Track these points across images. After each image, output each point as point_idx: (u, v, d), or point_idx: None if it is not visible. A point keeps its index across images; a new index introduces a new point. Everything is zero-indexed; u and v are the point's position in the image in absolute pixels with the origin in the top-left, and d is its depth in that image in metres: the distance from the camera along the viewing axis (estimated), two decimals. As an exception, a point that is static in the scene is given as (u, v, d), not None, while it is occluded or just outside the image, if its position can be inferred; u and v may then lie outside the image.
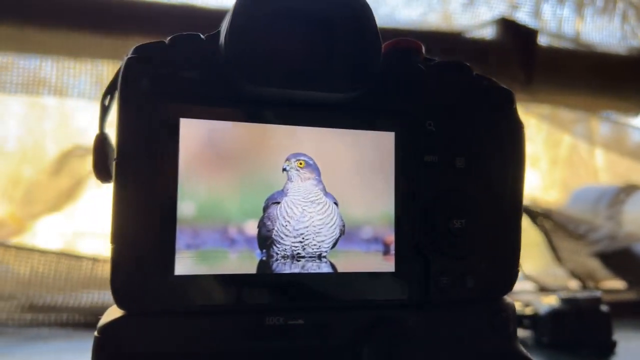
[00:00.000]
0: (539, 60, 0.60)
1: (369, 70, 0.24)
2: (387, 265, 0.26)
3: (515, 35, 0.60)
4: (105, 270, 0.55)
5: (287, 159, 0.25)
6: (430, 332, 0.26)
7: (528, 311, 0.47)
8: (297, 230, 0.25)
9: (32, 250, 0.51)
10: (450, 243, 0.26)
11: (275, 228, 0.25)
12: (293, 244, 0.25)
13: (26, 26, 0.57)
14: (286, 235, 0.25)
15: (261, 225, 0.25)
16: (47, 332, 0.48)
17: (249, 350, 0.24)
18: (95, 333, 0.23)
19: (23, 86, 0.63)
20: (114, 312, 0.24)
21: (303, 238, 0.25)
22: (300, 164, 0.25)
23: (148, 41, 0.24)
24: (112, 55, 0.60)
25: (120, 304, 0.23)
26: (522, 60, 0.57)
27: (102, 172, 0.25)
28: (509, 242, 0.27)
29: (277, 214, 0.25)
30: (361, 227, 0.26)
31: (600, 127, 0.85)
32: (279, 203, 0.25)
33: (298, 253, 0.25)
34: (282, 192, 0.25)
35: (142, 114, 0.23)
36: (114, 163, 0.23)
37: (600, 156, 0.87)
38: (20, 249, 0.51)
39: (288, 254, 0.25)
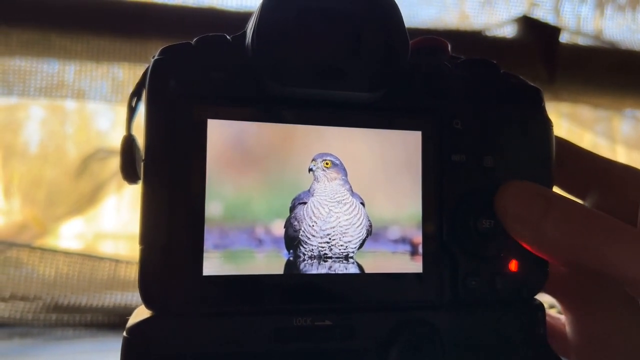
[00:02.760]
0: (562, 58, 0.59)
1: (396, 69, 0.24)
2: (415, 266, 0.25)
3: (537, 33, 0.59)
4: (127, 271, 0.55)
5: (314, 159, 0.25)
6: (459, 334, 0.25)
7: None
8: (323, 230, 0.25)
9: (56, 252, 0.52)
10: (479, 243, 0.25)
11: (302, 228, 0.25)
12: (320, 245, 0.25)
13: (48, 31, 0.58)
14: (313, 236, 0.25)
15: (288, 225, 0.25)
16: (72, 333, 0.49)
17: (276, 351, 0.24)
18: (124, 333, 0.23)
19: (45, 90, 0.64)
20: (142, 313, 0.24)
21: (330, 238, 0.25)
22: (327, 164, 0.25)
23: (168, 44, 0.24)
24: (132, 59, 0.61)
25: (148, 305, 0.23)
26: (544, 58, 0.57)
27: (129, 173, 0.26)
28: (538, 242, 0.26)
29: (303, 214, 0.25)
30: (388, 228, 0.25)
31: (622, 125, 0.84)
32: (305, 203, 0.25)
33: (325, 254, 0.25)
34: (309, 193, 0.25)
35: (169, 115, 0.23)
36: (142, 164, 0.23)
37: (621, 155, 0.85)
38: (45, 250, 0.52)
39: (315, 254, 0.25)
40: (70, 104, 0.73)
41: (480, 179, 0.26)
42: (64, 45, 0.57)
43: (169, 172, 0.23)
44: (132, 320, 0.23)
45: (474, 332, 0.25)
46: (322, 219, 0.25)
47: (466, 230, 0.25)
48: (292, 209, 0.25)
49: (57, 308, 0.50)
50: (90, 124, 0.77)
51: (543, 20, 0.63)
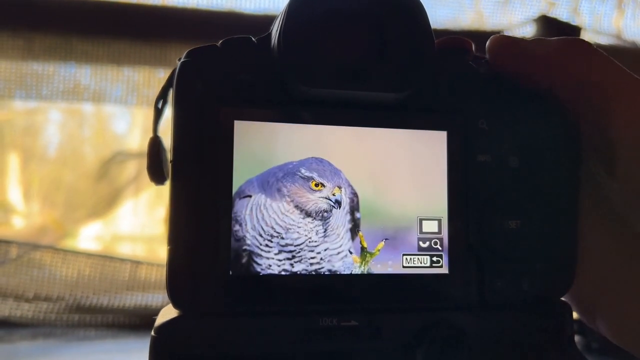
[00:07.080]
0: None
1: (422, 70, 0.24)
2: (440, 267, 0.25)
3: (557, 33, 0.58)
4: (147, 272, 0.56)
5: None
6: (485, 335, 0.25)
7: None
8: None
9: (78, 254, 0.53)
10: (506, 244, 0.25)
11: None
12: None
13: (70, 36, 0.59)
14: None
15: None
16: (94, 333, 0.49)
17: (302, 351, 0.24)
18: (152, 333, 0.23)
19: (64, 94, 0.64)
20: (169, 312, 0.24)
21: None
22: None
23: (187, 47, 0.24)
24: (152, 62, 0.62)
25: (175, 304, 0.24)
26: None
27: (156, 174, 0.26)
28: (565, 242, 0.26)
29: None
30: (413, 228, 0.25)
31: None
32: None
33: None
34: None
35: (197, 117, 0.23)
36: (169, 165, 0.24)
37: None
38: (67, 252, 0.53)
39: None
40: (87, 107, 0.74)
41: (506, 179, 0.26)
42: (85, 49, 0.58)
43: (196, 173, 0.23)
44: (160, 319, 0.24)
45: (501, 333, 0.25)
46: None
47: (492, 230, 0.25)
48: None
49: (80, 309, 0.51)
50: (108, 127, 0.78)
51: (562, 20, 0.62)
